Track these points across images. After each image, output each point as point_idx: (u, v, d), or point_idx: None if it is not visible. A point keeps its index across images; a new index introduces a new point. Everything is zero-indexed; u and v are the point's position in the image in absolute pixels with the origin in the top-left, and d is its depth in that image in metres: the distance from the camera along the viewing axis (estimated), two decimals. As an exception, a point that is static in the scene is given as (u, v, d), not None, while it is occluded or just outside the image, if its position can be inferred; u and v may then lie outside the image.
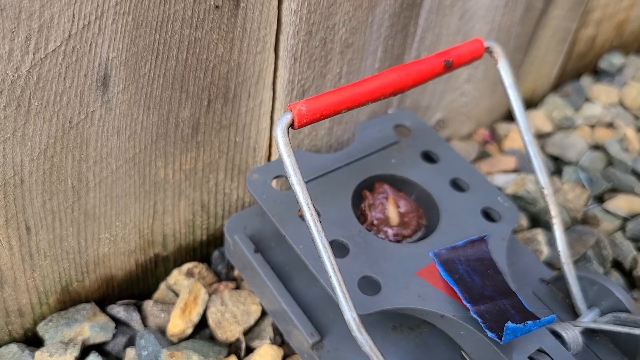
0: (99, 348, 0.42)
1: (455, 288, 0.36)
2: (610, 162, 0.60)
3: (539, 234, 0.51)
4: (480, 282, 0.37)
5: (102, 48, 0.32)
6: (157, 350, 0.41)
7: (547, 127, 0.63)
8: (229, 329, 0.43)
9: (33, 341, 0.42)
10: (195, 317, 0.43)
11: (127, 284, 0.45)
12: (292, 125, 0.34)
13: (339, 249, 0.38)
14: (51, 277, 0.40)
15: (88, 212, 0.38)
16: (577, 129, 0.64)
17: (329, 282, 0.33)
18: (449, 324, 0.36)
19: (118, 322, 0.44)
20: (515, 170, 0.58)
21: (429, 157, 0.45)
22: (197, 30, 0.35)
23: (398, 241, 0.40)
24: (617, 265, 0.53)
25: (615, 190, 0.58)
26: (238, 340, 0.43)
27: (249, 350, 0.43)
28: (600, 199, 0.58)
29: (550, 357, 0.34)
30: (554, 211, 0.40)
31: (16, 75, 0.30)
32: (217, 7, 0.34)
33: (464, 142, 0.59)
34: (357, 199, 0.42)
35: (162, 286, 0.46)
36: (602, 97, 0.67)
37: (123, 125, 0.36)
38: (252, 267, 0.42)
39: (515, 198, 0.53)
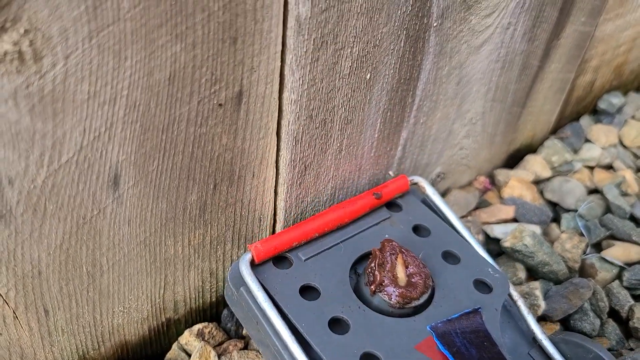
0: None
1: None
2: (609, 207, 0.62)
3: (537, 289, 0.52)
4: (477, 355, 0.39)
5: (112, 153, 0.34)
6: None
7: (546, 172, 0.64)
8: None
9: (53, 407, 0.44)
10: (203, 384, 0.45)
11: (141, 347, 0.47)
12: (252, 262, 0.42)
13: (340, 325, 0.40)
14: (69, 350, 0.42)
15: (102, 291, 0.41)
16: (577, 172, 0.65)
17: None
18: (450, 399, 0.38)
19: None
20: (514, 220, 0.60)
21: (420, 231, 0.47)
22: (202, 127, 0.37)
23: (406, 302, 0.41)
24: (614, 313, 0.54)
25: (613, 237, 0.59)
26: (246, 402, 0.45)
27: (257, 411, 0.46)
28: (598, 247, 0.59)
29: None
30: (515, 295, 0.45)
31: (32, 186, 0.32)
32: (220, 105, 0.36)
33: (464, 191, 0.60)
34: (354, 274, 0.44)
35: (174, 347, 0.49)
36: (601, 138, 0.69)
37: (134, 215, 0.38)
38: (259, 317, 0.43)
39: (513, 251, 0.55)
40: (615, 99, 0.71)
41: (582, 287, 0.53)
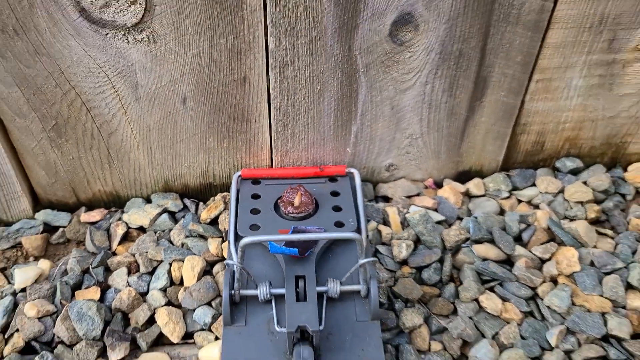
0: (172, 214, 0.92)
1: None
2: (504, 226, 0.89)
3: (404, 242, 0.84)
4: (303, 245, 0.75)
5: (183, 87, 0.80)
6: (188, 222, 0.89)
7: (478, 191, 0.93)
8: (225, 224, 0.89)
9: (149, 201, 0.93)
10: (213, 215, 0.90)
11: (196, 193, 0.94)
12: (239, 177, 0.82)
13: (256, 212, 0.80)
14: (161, 177, 0.90)
15: (177, 152, 0.87)
16: (506, 199, 0.92)
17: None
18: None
19: (185, 207, 0.93)
20: (435, 210, 0.91)
21: (334, 194, 0.84)
22: (226, 87, 0.80)
23: (290, 213, 0.80)
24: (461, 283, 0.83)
25: (492, 241, 0.87)
26: (225, 232, 0.88)
27: (229, 240, 0.88)
28: (477, 242, 0.87)
29: (305, 280, 0.71)
30: (363, 242, 0.75)
31: (149, 91, 0.79)
32: (234, 80, 0.80)
33: (411, 183, 0.94)
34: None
35: (211, 200, 0.94)
36: (543, 185, 0.93)
37: (193, 119, 0.83)
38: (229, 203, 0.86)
39: (406, 220, 0.87)
40: (570, 163, 0.94)
41: (434, 254, 0.84)
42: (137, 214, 0.90)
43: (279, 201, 0.82)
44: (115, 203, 0.93)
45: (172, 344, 0.77)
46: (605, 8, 0.76)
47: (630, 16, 0.77)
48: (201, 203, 0.93)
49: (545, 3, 0.74)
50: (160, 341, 0.78)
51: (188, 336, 0.78)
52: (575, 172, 0.96)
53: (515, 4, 0.73)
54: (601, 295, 0.81)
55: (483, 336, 0.78)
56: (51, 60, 0.74)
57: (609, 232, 0.88)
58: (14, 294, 0.82)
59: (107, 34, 0.72)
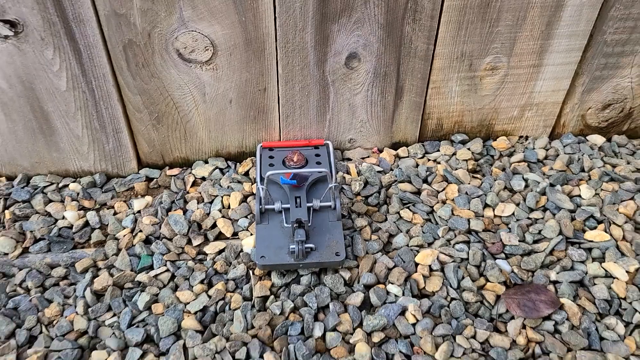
0: (221, 169, 1.54)
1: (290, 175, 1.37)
2: (418, 172, 1.50)
3: (357, 182, 1.46)
4: (298, 178, 1.37)
5: (230, 94, 1.41)
6: (231, 174, 1.50)
7: (404, 154, 1.54)
8: (253, 175, 1.51)
9: (206, 162, 1.55)
10: (245, 169, 1.51)
11: (236, 156, 1.55)
12: (262, 147, 1.44)
13: (272, 166, 1.43)
14: (214, 146, 1.52)
15: (225, 132, 1.49)
16: (421, 159, 1.54)
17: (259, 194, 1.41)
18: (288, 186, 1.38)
19: (228, 165, 1.54)
20: (378, 165, 1.52)
21: (317, 155, 1.46)
22: (255, 94, 1.42)
23: (290, 165, 1.42)
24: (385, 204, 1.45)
25: (409, 182, 1.48)
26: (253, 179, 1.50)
27: (256, 183, 1.50)
28: (401, 182, 1.49)
29: (300, 199, 1.33)
30: (333, 181, 1.40)
31: (213, 95, 1.41)
32: (259, 90, 1.41)
33: (363, 149, 1.55)
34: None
35: (244, 161, 1.55)
36: (443, 150, 1.55)
37: (235, 113, 1.45)
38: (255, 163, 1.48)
39: (359, 170, 1.49)
40: (459, 137, 1.55)
41: (375, 189, 1.45)
42: (200, 170, 1.52)
43: (285, 159, 1.44)
44: (186, 164, 1.55)
45: (226, 238, 1.39)
46: (463, 48, 1.37)
47: (477, 52, 1.38)
48: (238, 163, 1.55)
49: (429, 46, 1.36)
50: (219, 237, 1.40)
51: (235, 234, 1.40)
52: (463, 142, 1.58)
53: (412, 47, 1.35)
54: (469, 209, 1.42)
55: (400, 231, 1.40)
56: (159, 80, 1.36)
57: (479, 176, 1.50)
58: (134, 214, 1.44)
59: (191, 66, 1.34)
